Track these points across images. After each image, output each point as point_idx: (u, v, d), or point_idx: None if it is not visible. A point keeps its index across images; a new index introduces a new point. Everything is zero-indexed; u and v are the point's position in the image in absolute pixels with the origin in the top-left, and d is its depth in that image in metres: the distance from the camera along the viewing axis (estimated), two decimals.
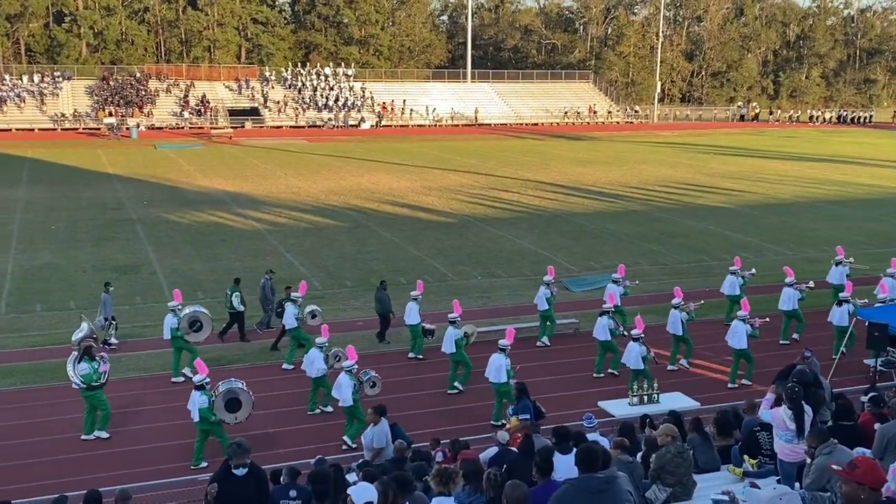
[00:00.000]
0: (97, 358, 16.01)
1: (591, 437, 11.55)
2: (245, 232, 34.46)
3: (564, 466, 8.83)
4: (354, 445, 15.24)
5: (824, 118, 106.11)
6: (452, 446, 12.67)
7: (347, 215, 38.14)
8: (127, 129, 74.69)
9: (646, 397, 16.16)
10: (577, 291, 25.99)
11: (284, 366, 19.61)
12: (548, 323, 21.52)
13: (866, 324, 18.46)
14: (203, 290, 25.89)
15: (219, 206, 39.97)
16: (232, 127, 79.45)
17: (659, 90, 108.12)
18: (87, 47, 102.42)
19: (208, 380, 14.94)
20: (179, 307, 19.04)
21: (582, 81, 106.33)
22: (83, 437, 15.96)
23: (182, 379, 18.63)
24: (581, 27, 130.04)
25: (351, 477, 11.11)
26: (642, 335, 17.70)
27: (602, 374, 19.32)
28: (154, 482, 13.03)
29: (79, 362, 15.90)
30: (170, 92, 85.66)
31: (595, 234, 34.53)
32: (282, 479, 10.79)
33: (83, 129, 77.43)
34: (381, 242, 32.68)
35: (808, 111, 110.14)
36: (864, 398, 13.60)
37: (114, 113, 78.36)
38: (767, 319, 19.60)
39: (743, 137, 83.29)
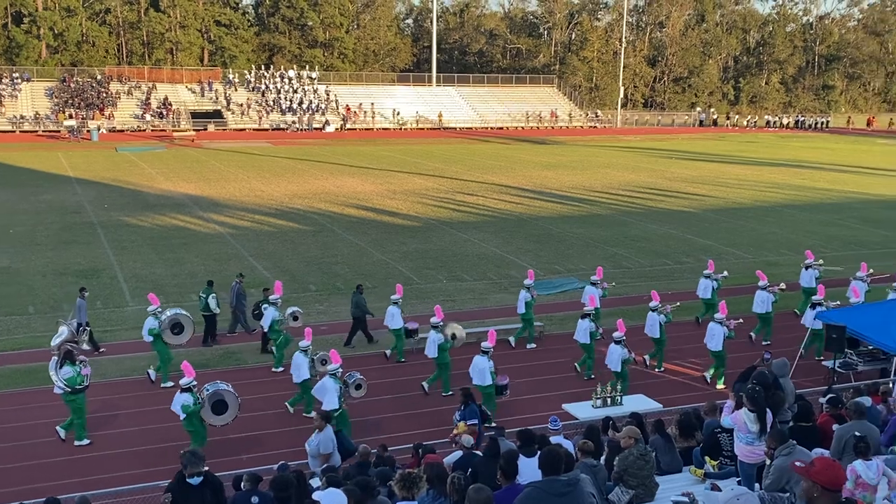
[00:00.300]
0: (78, 362, 15.95)
1: (555, 439, 11.59)
2: (207, 236, 34.17)
3: (529, 469, 8.87)
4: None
5: (781, 123, 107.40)
6: (416, 451, 12.67)
7: (311, 219, 37.99)
8: (88, 131, 73.81)
9: (609, 399, 16.27)
10: (542, 295, 26.05)
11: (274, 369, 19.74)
12: (526, 326, 21.65)
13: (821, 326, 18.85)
14: (165, 294, 25.57)
15: (181, 210, 39.61)
16: (194, 129, 78.82)
17: (622, 95, 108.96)
18: (46, 48, 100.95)
19: (195, 382, 15.01)
20: (159, 310, 19.03)
21: (546, 86, 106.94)
22: (77, 442, 15.90)
23: (171, 384, 18.35)
24: (545, 32, 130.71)
25: (314, 482, 11.04)
26: (624, 337, 17.95)
27: (594, 376, 19.34)
28: (112, 489, 12.88)
29: (60, 367, 15.83)
30: (131, 94, 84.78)
31: (559, 237, 34.71)
32: (243, 485, 10.70)
33: (43, 131, 76.38)
34: (345, 246, 32.58)
35: (765, 116, 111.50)
36: (823, 400, 13.81)
37: (74, 115, 77.39)
38: (741, 321, 19.92)
39: (704, 142, 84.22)
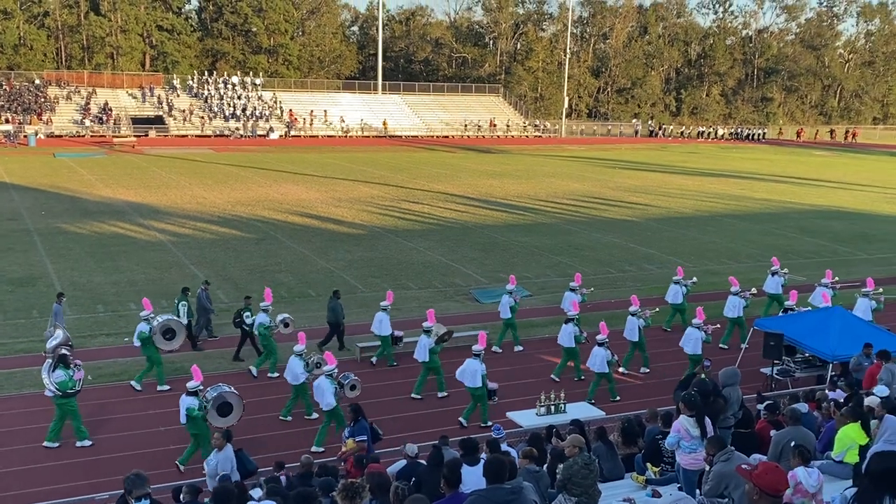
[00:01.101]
0: (72, 366, 15.99)
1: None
2: (148, 243, 33.61)
3: (472, 478, 8.86)
4: (321, 449, 15.70)
5: (716, 134, 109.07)
6: (359, 461, 12.59)
7: (255, 226, 37.61)
8: (25, 136, 72.19)
9: (553, 407, 16.36)
10: (486, 303, 26.13)
11: (261, 373, 19.74)
12: (510, 329, 21.90)
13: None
14: (104, 303, 25.15)
15: (120, 217, 38.92)
16: (135, 136, 77.65)
17: (567, 105, 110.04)
18: None
19: (202, 386, 15.15)
20: (151, 315, 19.06)
21: (492, 95, 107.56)
22: (46, 443, 15.84)
23: (168, 388, 18.57)
24: (491, 42, 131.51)
25: (255, 493, 10.90)
26: (607, 340, 18.45)
27: (559, 379, 19.66)
28: (57, 501, 12.64)
29: (53, 370, 15.84)
30: (70, 99, 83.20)
31: (505, 246, 34.85)
32: (182, 497, 10.52)
33: None
34: (289, 254, 32.30)
35: (698, 128, 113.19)
36: (761, 406, 14.05)
37: (11, 120, 75.70)
38: (718, 326, 20.45)
39: (647, 152, 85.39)
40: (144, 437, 16.49)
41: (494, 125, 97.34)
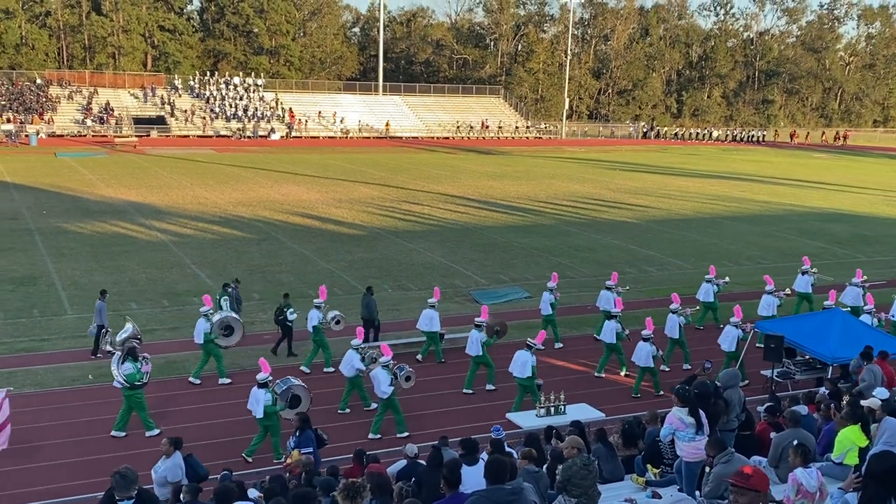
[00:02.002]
0: (140, 359, 16.40)
1: None
2: (149, 243, 33.64)
3: (472, 478, 8.88)
4: (378, 436, 16.38)
5: (710, 136, 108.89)
6: (359, 459, 12.62)
7: (256, 227, 37.64)
8: (26, 136, 72.24)
9: (552, 409, 16.38)
10: (486, 304, 26.12)
11: (303, 367, 19.98)
12: (550, 326, 22.27)
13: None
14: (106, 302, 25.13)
15: (122, 217, 38.96)
16: (137, 136, 77.69)
17: (567, 107, 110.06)
18: None
19: (271, 378, 15.60)
20: (211, 312, 19.49)
21: (492, 96, 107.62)
22: (114, 433, 16.22)
23: (229, 381, 19.06)
24: (492, 43, 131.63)
25: (252, 493, 10.92)
26: (652, 335, 18.89)
27: (604, 375, 20.21)
28: (52, 501, 12.65)
29: (122, 362, 16.25)
30: (72, 99, 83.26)
31: (505, 247, 34.88)
32: (182, 496, 10.53)
33: None
34: (290, 255, 32.33)
35: (689, 129, 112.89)
36: (761, 408, 14.08)
37: (12, 119, 75.76)
38: (755, 325, 20.62)
39: (647, 154, 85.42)
40: (209, 429, 16.86)
41: (487, 126, 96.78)
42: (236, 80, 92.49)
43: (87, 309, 24.43)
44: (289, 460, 13.23)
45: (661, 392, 18.84)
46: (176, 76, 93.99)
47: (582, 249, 34.85)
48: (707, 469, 9.87)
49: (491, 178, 58.84)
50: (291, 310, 20.92)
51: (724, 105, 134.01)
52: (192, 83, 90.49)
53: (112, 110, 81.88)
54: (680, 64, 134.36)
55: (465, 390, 19.09)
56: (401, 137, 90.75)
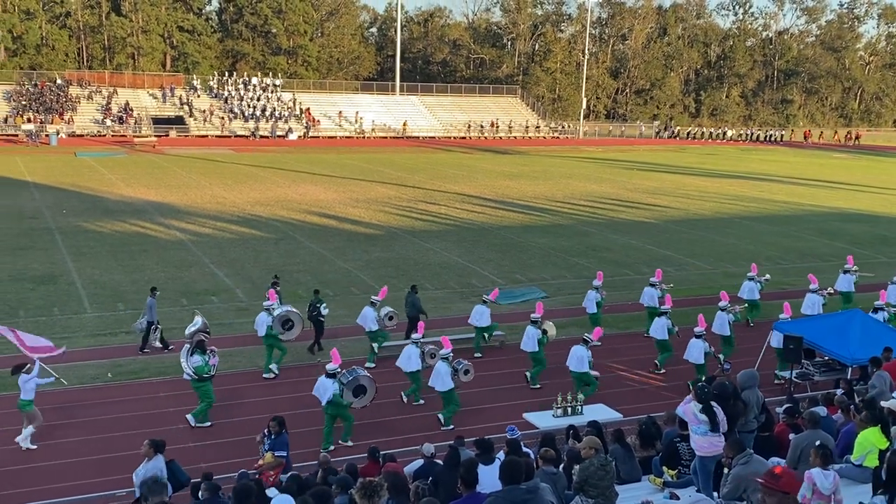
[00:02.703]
0: (208, 351, 16.88)
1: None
2: (168, 242, 33.83)
3: (488, 478, 8.89)
4: (451, 426, 16.79)
5: (724, 136, 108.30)
6: (374, 456, 12.63)
7: (274, 226, 37.78)
8: (46, 136, 72.79)
9: (569, 409, 16.36)
10: (503, 304, 26.12)
11: (368, 364, 20.14)
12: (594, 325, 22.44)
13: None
14: (124, 301, 25.33)
15: (141, 216, 39.20)
16: (156, 135, 78.10)
17: (584, 106, 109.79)
18: (5, 52, 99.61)
19: (339, 368, 16.08)
20: (274, 306, 19.90)
21: (510, 96, 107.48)
22: (199, 425, 16.73)
23: (272, 375, 19.49)
24: (509, 43, 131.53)
25: (271, 492, 10.96)
26: (704, 332, 19.15)
27: (664, 370, 20.43)
28: (72, 498, 12.74)
29: (191, 355, 16.72)
30: (91, 99, 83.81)
31: (521, 247, 34.84)
32: (201, 494, 10.57)
33: (0, 135, 75.19)
34: (307, 254, 32.44)
35: (700, 129, 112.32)
36: (780, 409, 14.00)
37: (33, 119, 76.34)
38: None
39: (665, 154, 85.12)
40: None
41: (497, 126, 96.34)
42: (254, 80, 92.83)
43: (108, 308, 24.65)
44: (261, 462, 13.03)
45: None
46: (195, 76, 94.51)
47: (599, 249, 34.77)
48: (726, 470, 9.83)
49: (508, 177, 58.81)
50: (324, 305, 21.27)
51: (742, 105, 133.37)
52: (210, 83, 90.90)
53: (131, 110, 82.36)
54: (698, 63, 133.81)
55: (532, 386, 19.47)
56: (418, 137, 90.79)
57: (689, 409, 11.06)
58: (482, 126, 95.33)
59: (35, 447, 15.73)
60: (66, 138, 74.66)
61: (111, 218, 38.57)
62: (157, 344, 21.03)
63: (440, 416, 17.17)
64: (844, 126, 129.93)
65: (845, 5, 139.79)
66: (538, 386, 19.34)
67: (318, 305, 21.20)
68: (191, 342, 17.08)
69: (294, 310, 20.53)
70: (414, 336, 18.27)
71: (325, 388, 15.76)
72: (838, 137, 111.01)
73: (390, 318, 21.24)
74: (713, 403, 10.93)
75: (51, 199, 43.42)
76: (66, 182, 49.80)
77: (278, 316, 19.82)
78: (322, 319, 21.25)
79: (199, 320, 18.38)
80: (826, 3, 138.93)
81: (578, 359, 18.01)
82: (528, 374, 19.62)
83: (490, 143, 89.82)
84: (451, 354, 17.06)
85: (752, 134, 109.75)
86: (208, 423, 16.78)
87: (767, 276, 25.23)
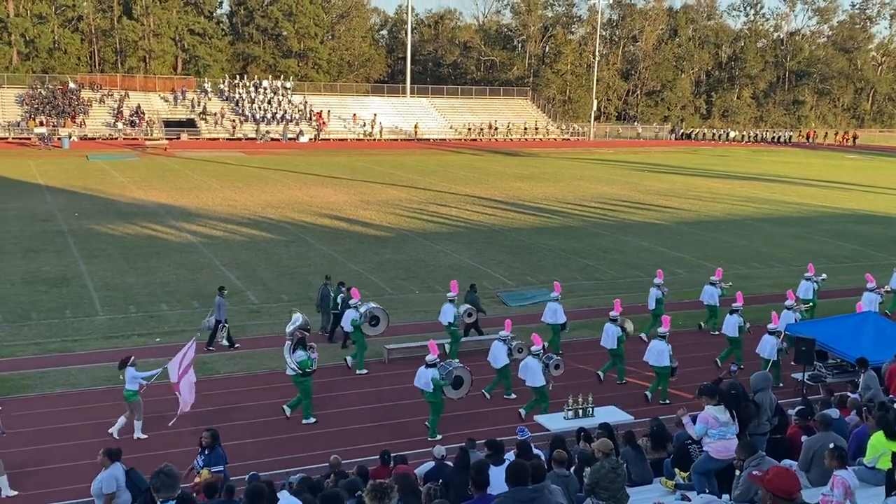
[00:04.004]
0: (308, 347, 17.46)
1: None
2: (179, 245, 33.94)
3: (499, 479, 8.89)
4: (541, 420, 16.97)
5: (727, 137, 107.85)
6: (385, 459, 12.62)
7: (285, 229, 37.85)
8: (59, 139, 73.17)
9: (580, 411, 16.32)
10: (513, 306, 26.11)
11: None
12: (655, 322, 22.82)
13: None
14: (136, 303, 25.41)
15: (153, 219, 39.33)
16: (167, 138, 78.34)
17: (595, 108, 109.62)
18: (17, 55, 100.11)
19: (438, 360, 16.80)
20: (359, 304, 20.67)
21: (520, 98, 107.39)
22: (304, 422, 17.29)
23: (366, 371, 20.20)
24: (519, 45, 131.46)
25: (283, 495, 10.96)
26: (777, 329, 19.53)
27: (743, 366, 20.29)
28: (84, 500, 12.71)
29: (293, 351, 17.32)
30: (103, 102, 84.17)
31: (532, 249, 34.81)
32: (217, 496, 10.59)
33: (13, 138, 75.62)
34: (318, 256, 32.48)
35: (702, 130, 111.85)
36: (792, 411, 13.94)
37: (45, 123, 76.72)
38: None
39: (676, 155, 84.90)
40: (369, 413, 17.97)
41: (494, 127, 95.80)
42: (265, 83, 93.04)
43: (119, 310, 24.73)
44: (197, 479, 12.58)
45: (780, 385, 19.07)
46: (206, 79, 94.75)
47: (610, 251, 34.70)
48: (738, 472, 9.80)
49: (518, 179, 58.77)
50: (342, 297, 21.79)
51: (753, 106, 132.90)
52: (221, 86, 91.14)
53: (143, 113, 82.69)
54: (709, 65, 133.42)
55: (619, 382, 19.84)
56: (428, 139, 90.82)
57: (706, 415, 10.98)
58: (482, 129, 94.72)
59: (145, 436, 16.45)
60: (78, 141, 75.00)
61: (123, 220, 38.72)
62: (224, 342, 21.51)
63: (521, 410, 17.66)
64: (857, 127, 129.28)
65: (857, 6, 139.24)
66: (624, 381, 19.81)
67: (338, 298, 21.85)
68: (292, 339, 17.55)
69: (379, 306, 21.39)
70: (501, 333, 18.71)
71: (426, 378, 16.45)
72: (839, 138, 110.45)
73: (469, 315, 21.88)
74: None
75: (63, 201, 43.62)
76: (77, 185, 50.03)
77: (366, 312, 20.64)
78: (335, 313, 21.89)
79: (299, 317, 18.82)
80: (837, 3, 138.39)
81: (658, 353, 18.45)
82: (599, 372, 20.07)
83: (501, 146, 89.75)
84: (542, 351, 17.58)
85: (758, 135, 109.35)
86: (313, 420, 17.32)
87: (824, 275, 25.48)
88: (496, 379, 18.84)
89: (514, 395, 18.59)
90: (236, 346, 21.54)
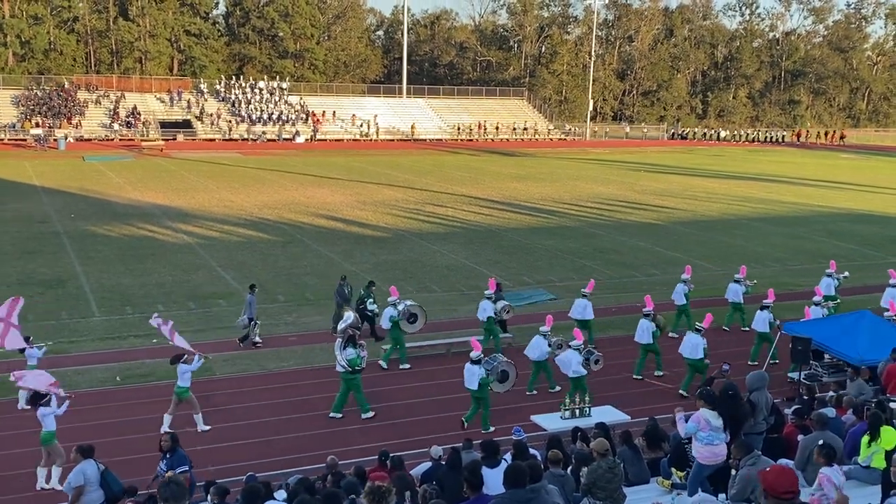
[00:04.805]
0: (358, 345, 17.81)
1: None
2: (176, 246, 33.91)
3: (494, 480, 8.90)
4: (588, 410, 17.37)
5: (718, 137, 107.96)
6: (383, 460, 12.62)
7: (281, 229, 37.83)
8: (54, 140, 73.04)
9: (577, 411, 16.34)
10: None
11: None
12: (683, 316, 23.21)
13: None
14: (132, 304, 25.39)
15: (149, 220, 39.29)
16: (163, 139, 78.24)
17: (591, 108, 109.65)
18: (13, 56, 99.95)
19: (482, 356, 17.35)
20: (397, 301, 21.05)
21: (516, 98, 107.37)
22: (332, 414, 17.62)
23: (409, 366, 20.68)
24: (516, 45, 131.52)
25: (280, 495, 10.97)
26: (771, 303, 20.71)
27: (778, 361, 20.76)
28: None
29: (344, 348, 17.62)
30: (99, 103, 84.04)
31: (529, 249, 34.83)
32: (210, 498, 10.58)
33: (9, 140, 75.48)
34: (315, 257, 32.48)
35: (693, 129, 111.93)
36: (789, 411, 13.98)
37: (41, 124, 76.58)
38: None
39: (672, 155, 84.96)
40: (407, 408, 18.28)
41: (485, 129, 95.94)
42: (261, 83, 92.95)
43: (116, 311, 24.71)
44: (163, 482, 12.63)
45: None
46: (202, 80, 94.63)
47: (607, 251, 34.73)
48: (733, 472, 9.82)
49: (515, 179, 58.79)
50: (371, 300, 22.31)
51: (749, 106, 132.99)
52: (217, 87, 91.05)
53: (139, 114, 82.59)
54: (705, 64, 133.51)
55: (634, 376, 20.21)
56: (425, 140, 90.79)
57: (700, 416, 11.00)
58: (470, 129, 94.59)
59: (208, 427, 16.89)
60: (74, 142, 74.84)
61: (119, 222, 38.68)
62: (257, 339, 21.83)
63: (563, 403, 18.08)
64: (853, 127, 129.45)
65: (852, 5, 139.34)
66: (661, 373, 20.11)
67: (367, 300, 22.26)
68: (342, 336, 17.88)
69: (417, 304, 21.90)
70: (542, 329, 19.13)
71: (472, 374, 16.90)
72: (829, 138, 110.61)
73: (507, 311, 22.19)
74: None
75: (59, 203, 43.57)
76: (74, 186, 49.97)
77: (405, 309, 21.06)
78: (369, 314, 22.14)
79: (350, 315, 19.34)
80: (833, 3, 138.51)
81: (693, 346, 18.78)
82: (636, 376, 20.32)
83: (497, 146, 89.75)
84: (582, 346, 17.95)
85: (748, 134, 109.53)
86: (371, 413, 17.68)
87: (846, 272, 25.64)
88: (534, 373, 19.25)
89: (558, 388, 19.00)
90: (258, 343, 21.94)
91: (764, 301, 21.30)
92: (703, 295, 25.85)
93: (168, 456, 12.87)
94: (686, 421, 11.47)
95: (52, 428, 14.70)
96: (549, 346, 18.89)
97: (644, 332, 20.14)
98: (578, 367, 17.51)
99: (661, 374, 20.25)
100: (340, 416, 17.62)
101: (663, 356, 20.40)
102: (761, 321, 20.79)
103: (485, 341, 21.12)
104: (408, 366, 20.71)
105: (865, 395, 14.55)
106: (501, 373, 18.01)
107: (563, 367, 17.83)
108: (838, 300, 23.75)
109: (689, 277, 23.65)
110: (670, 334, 22.76)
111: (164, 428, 16.25)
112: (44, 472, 14.60)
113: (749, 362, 20.54)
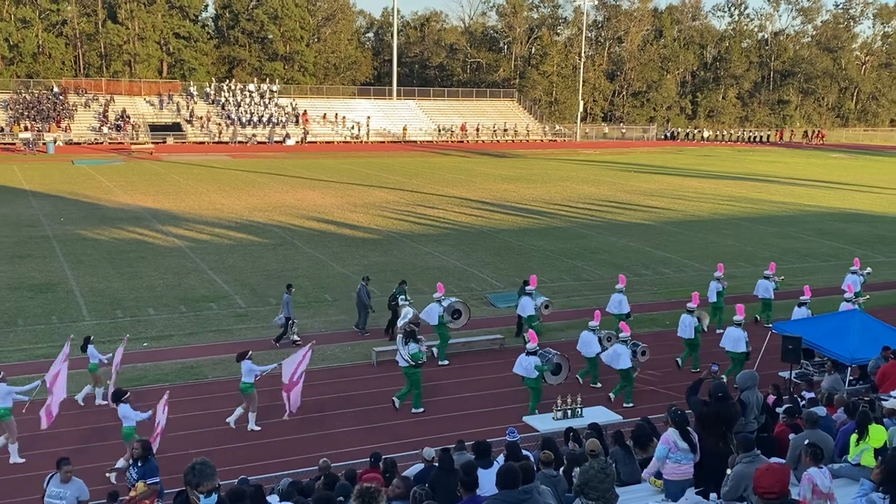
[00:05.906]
0: (418, 340, 18.38)
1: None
2: (166, 249, 33.82)
3: (487, 481, 8.89)
4: (631, 404, 18.38)
5: (702, 137, 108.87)
6: (374, 461, 12.60)
7: (272, 232, 37.77)
8: (44, 144, 72.78)
9: (569, 412, 16.35)
10: (501, 307, 26.14)
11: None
12: (717, 314, 23.84)
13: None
14: (123, 308, 25.31)
15: (139, 223, 39.18)
16: (153, 142, 78.09)
17: (581, 109, 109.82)
18: (1, 60, 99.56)
19: (538, 348, 17.85)
20: (442, 298, 21.55)
21: (507, 100, 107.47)
22: (415, 410, 18.15)
23: (447, 362, 21.10)
24: (505, 46, 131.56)
25: (273, 499, 10.94)
26: (808, 300, 21.44)
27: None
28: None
29: (406, 344, 18.16)
30: (88, 107, 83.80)
31: (520, 250, 34.85)
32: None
33: None
34: (305, 259, 32.44)
35: (679, 129, 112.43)
36: (780, 410, 14.00)
37: (30, 127, 76.31)
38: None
39: (662, 156, 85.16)
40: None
41: (465, 130, 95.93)
42: (251, 86, 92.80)
43: (106, 315, 24.62)
44: (133, 493, 12.12)
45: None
46: (191, 83, 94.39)
47: (598, 252, 34.79)
48: (728, 470, 9.82)
49: (505, 181, 58.84)
50: (403, 296, 22.41)
51: (739, 106, 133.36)
52: (207, 90, 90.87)
53: (128, 118, 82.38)
54: (694, 65, 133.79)
55: (692, 369, 20.38)
56: (415, 141, 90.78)
57: (668, 436, 10.91)
58: (452, 131, 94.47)
59: (258, 427, 17.14)
60: (63, 146, 74.64)
61: (109, 225, 38.55)
62: (295, 338, 22.04)
63: (611, 394, 18.75)
64: (842, 126, 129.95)
65: (841, 5, 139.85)
66: (698, 370, 19.91)
67: (399, 296, 22.50)
68: (403, 332, 18.42)
69: (461, 300, 22.61)
70: (591, 324, 19.70)
71: (527, 364, 17.49)
72: (814, 138, 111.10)
73: (546, 307, 22.77)
74: (689, 429, 10.83)
75: (48, 207, 43.41)
76: (63, 190, 49.79)
77: (448, 306, 21.62)
78: (396, 310, 22.42)
79: (409, 311, 19.91)
80: (821, 3, 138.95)
81: (735, 340, 19.38)
82: (678, 359, 20.93)
83: (487, 147, 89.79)
84: (629, 338, 18.70)
85: (732, 134, 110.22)
86: (422, 409, 18.15)
87: (869, 269, 26.09)
88: (588, 367, 19.74)
89: (599, 384, 19.50)
90: (283, 341, 22.19)
91: (801, 298, 21.74)
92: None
93: (139, 465, 12.38)
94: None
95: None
96: (600, 339, 19.50)
97: (686, 327, 20.61)
98: (625, 360, 18.29)
99: (697, 370, 19.88)
100: (422, 409, 18.19)
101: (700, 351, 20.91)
102: (799, 317, 21.07)
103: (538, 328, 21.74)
104: (446, 362, 21.18)
105: (840, 390, 14.66)
106: (556, 365, 18.55)
107: (612, 362, 18.45)
108: (867, 296, 24.17)
109: (721, 275, 24.11)
110: (717, 331, 22.82)
111: (230, 420, 17.13)
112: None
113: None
